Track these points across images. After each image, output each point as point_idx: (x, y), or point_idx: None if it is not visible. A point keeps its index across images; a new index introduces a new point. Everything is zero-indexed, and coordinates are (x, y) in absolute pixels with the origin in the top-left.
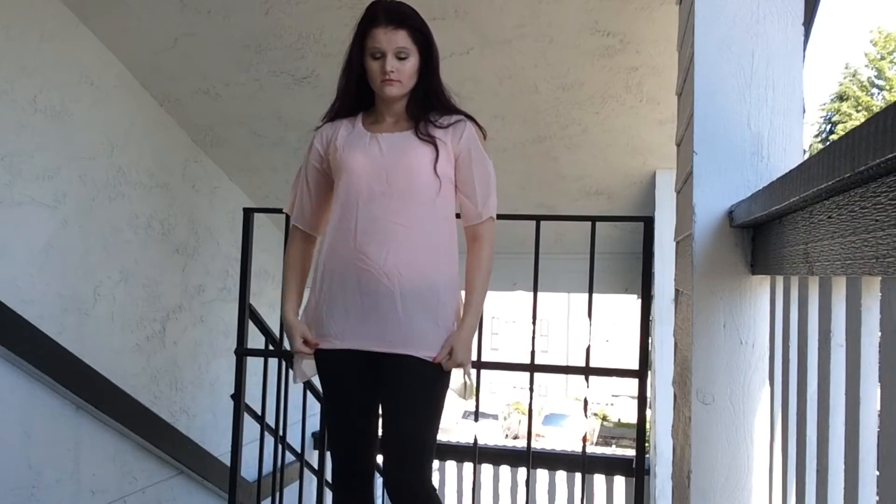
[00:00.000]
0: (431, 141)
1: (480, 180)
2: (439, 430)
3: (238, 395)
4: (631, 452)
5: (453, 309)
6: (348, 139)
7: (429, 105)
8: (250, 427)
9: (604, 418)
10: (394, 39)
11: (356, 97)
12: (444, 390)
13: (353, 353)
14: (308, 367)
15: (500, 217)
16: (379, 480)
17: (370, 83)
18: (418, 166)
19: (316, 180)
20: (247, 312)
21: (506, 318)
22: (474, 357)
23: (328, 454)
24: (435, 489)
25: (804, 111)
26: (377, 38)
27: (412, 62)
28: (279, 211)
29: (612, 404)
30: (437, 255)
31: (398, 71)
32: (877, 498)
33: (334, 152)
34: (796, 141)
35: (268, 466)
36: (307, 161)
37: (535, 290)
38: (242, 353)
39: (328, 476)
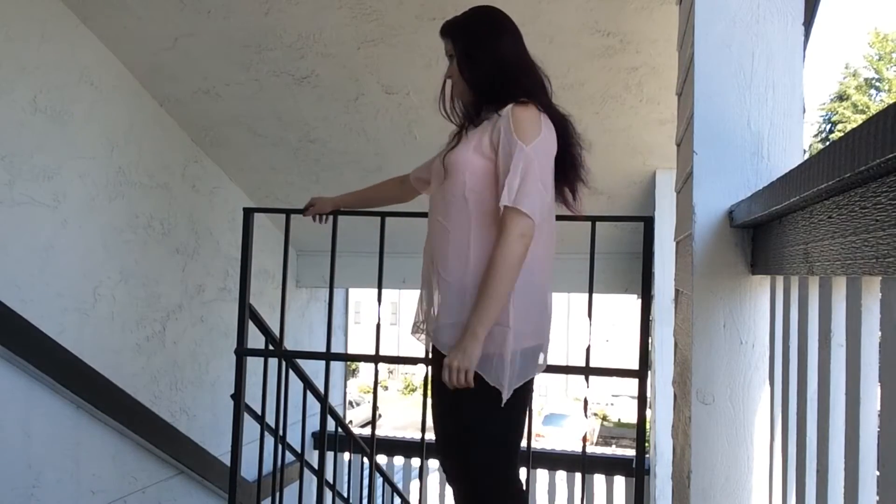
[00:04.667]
0: (456, 137)
1: (505, 164)
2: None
3: (238, 395)
4: (631, 452)
5: None
6: None
7: (489, 101)
8: (250, 427)
9: (604, 418)
10: (446, 47)
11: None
12: (474, 396)
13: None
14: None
15: None
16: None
17: None
18: (451, 163)
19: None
20: (247, 312)
21: None
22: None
23: (328, 454)
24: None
25: (804, 111)
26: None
27: (454, 63)
28: (279, 211)
29: (612, 404)
30: (468, 253)
31: (451, 73)
32: (877, 498)
33: None
34: (796, 141)
35: (268, 466)
36: None
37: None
38: (242, 353)
39: (328, 476)
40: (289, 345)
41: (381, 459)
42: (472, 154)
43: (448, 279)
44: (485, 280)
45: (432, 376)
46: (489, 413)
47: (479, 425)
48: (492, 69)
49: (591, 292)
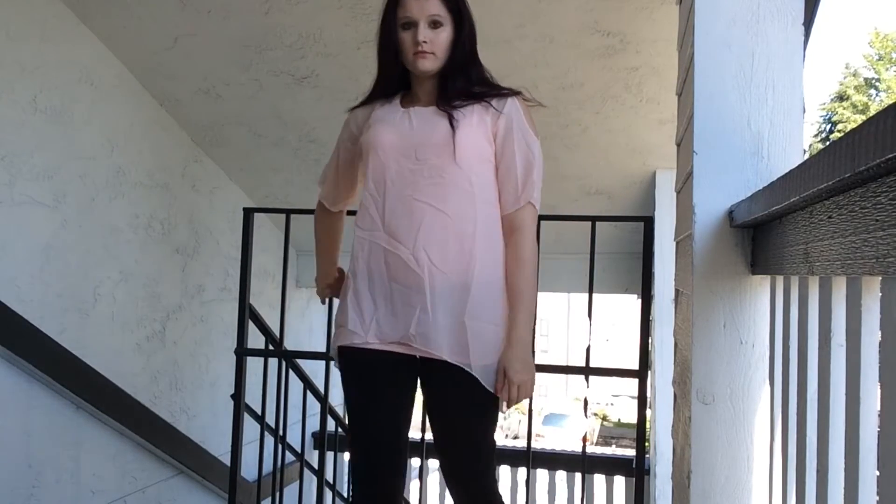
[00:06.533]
0: (448, 113)
1: (521, 161)
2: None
3: (238, 395)
4: (631, 452)
5: (495, 304)
6: (381, 115)
7: (465, 84)
8: (250, 427)
9: (604, 418)
10: (425, 6)
11: (396, 77)
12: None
13: (383, 352)
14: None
15: None
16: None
17: (403, 59)
18: (461, 143)
19: (346, 159)
20: (247, 312)
21: None
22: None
23: (328, 454)
24: (499, 495)
25: (804, 111)
26: (408, 6)
27: (447, 33)
28: (279, 211)
29: (612, 404)
30: (472, 243)
31: (431, 42)
32: (877, 498)
33: (367, 130)
34: (796, 141)
35: (268, 466)
36: (340, 140)
37: (536, 290)
38: (242, 353)
39: (328, 476)
40: (289, 345)
41: None
42: (481, 137)
43: (446, 272)
44: (519, 281)
45: (438, 384)
46: (495, 417)
47: (489, 430)
48: (474, 48)
49: (591, 292)
